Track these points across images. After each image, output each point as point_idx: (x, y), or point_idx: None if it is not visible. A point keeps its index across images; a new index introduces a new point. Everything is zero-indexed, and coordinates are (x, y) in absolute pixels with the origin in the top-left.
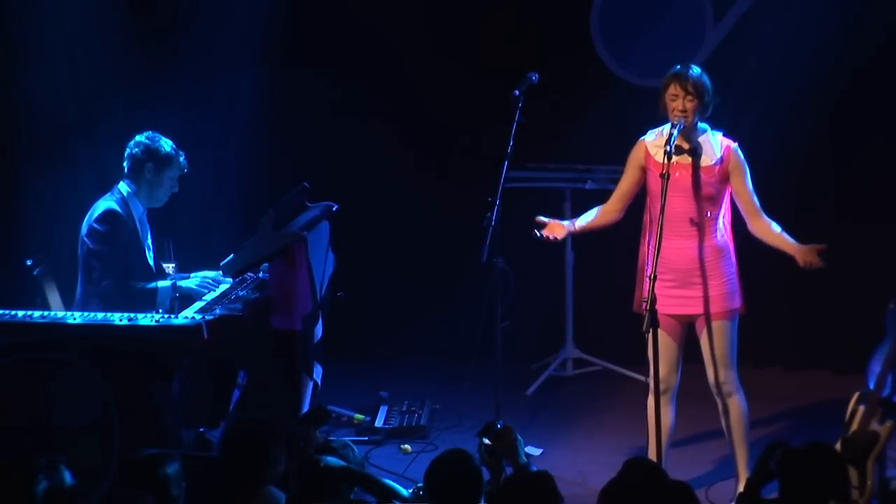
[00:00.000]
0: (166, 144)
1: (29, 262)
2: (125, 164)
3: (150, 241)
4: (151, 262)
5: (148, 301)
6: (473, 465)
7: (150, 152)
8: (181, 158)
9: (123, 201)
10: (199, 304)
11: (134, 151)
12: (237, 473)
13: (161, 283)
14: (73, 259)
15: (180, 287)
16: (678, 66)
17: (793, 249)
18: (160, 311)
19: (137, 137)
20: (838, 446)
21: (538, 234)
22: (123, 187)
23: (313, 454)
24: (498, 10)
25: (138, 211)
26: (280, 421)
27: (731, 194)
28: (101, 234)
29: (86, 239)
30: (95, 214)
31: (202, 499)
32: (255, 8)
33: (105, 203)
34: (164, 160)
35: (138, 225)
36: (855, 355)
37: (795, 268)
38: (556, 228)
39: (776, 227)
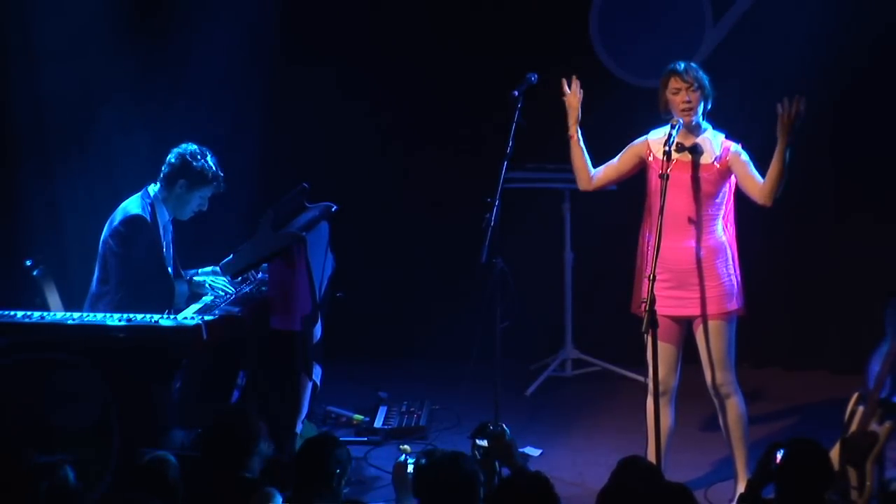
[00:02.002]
0: (207, 163)
1: (28, 263)
2: (163, 168)
3: (171, 248)
4: (171, 268)
5: (164, 302)
6: (470, 468)
7: (187, 168)
8: (220, 182)
9: (151, 206)
10: (198, 304)
11: (172, 161)
12: (218, 464)
13: (178, 285)
14: (82, 257)
15: (195, 283)
16: (672, 63)
17: (781, 140)
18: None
19: (183, 146)
20: (838, 447)
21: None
22: (153, 189)
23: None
24: (497, 11)
25: (164, 217)
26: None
27: (732, 194)
28: (124, 237)
29: (109, 239)
30: (122, 217)
31: (201, 499)
32: (255, 8)
33: (133, 206)
34: (199, 179)
35: (162, 231)
36: (854, 355)
37: (794, 268)
38: (573, 101)
39: (769, 174)
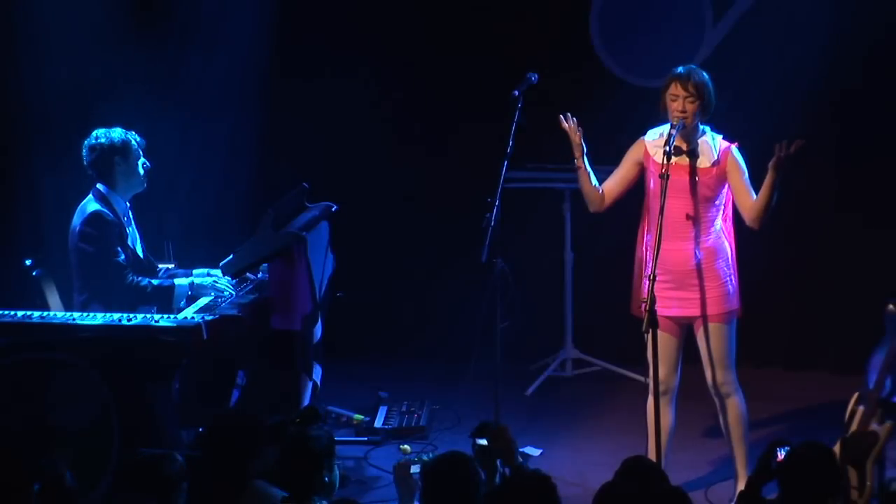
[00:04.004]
0: (117, 133)
1: (28, 263)
2: (91, 171)
3: (137, 235)
4: (142, 255)
5: (163, 299)
6: (471, 468)
7: (110, 148)
8: (136, 136)
9: (105, 200)
10: (198, 304)
11: (94, 156)
12: (220, 468)
13: (179, 281)
14: (68, 264)
15: (197, 286)
16: (680, 67)
17: (771, 171)
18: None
19: (89, 142)
20: (838, 447)
21: (563, 117)
22: (101, 187)
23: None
24: (497, 11)
25: (121, 207)
26: (264, 414)
27: (731, 196)
28: (92, 235)
29: (78, 243)
30: (82, 218)
31: (202, 498)
32: (254, 9)
33: (89, 206)
34: (125, 147)
35: (123, 220)
36: (855, 355)
37: (795, 268)
38: (575, 139)
39: (757, 200)
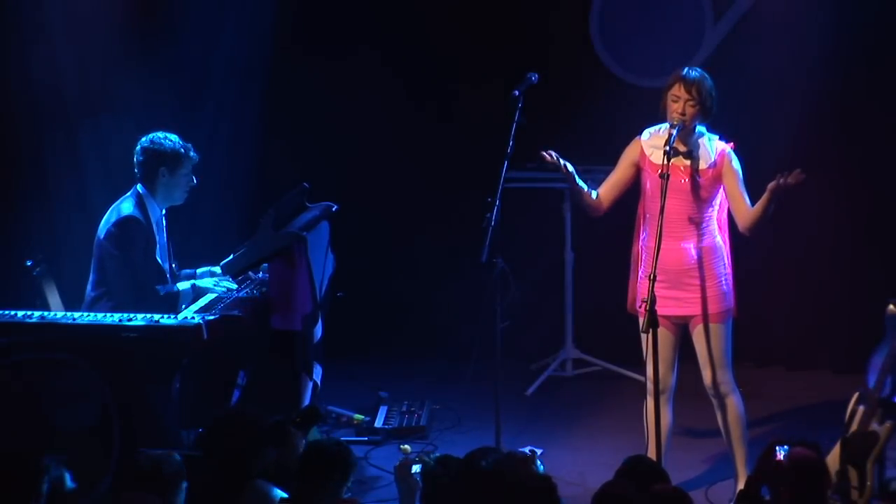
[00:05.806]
0: (173, 142)
1: (29, 263)
2: (137, 171)
3: (165, 243)
4: (166, 265)
5: (168, 304)
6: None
7: (160, 155)
8: (191, 152)
9: (142, 205)
10: (198, 304)
11: (142, 158)
12: (222, 468)
13: (181, 286)
14: (82, 257)
15: (199, 288)
16: (686, 69)
17: (767, 193)
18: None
19: (143, 143)
20: (838, 447)
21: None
22: (141, 189)
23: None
24: (497, 11)
25: (156, 214)
26: (264, 414)
27: (726, 196)
28: (119, 238)
29: (104, 242)
30: (115, 218)
31: (202, 498)
32: (255, 7)
33: (125, 207)
34: (175, 159)
35: (155, 228)
36: (855, 355)
37: (796, 268)
38: (563, 170)
39: (753, 212)
